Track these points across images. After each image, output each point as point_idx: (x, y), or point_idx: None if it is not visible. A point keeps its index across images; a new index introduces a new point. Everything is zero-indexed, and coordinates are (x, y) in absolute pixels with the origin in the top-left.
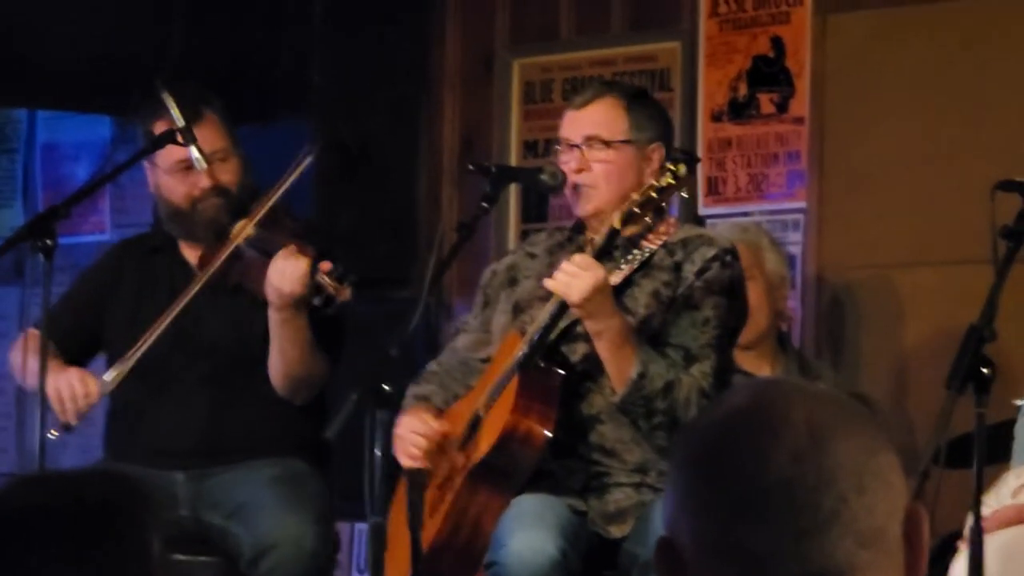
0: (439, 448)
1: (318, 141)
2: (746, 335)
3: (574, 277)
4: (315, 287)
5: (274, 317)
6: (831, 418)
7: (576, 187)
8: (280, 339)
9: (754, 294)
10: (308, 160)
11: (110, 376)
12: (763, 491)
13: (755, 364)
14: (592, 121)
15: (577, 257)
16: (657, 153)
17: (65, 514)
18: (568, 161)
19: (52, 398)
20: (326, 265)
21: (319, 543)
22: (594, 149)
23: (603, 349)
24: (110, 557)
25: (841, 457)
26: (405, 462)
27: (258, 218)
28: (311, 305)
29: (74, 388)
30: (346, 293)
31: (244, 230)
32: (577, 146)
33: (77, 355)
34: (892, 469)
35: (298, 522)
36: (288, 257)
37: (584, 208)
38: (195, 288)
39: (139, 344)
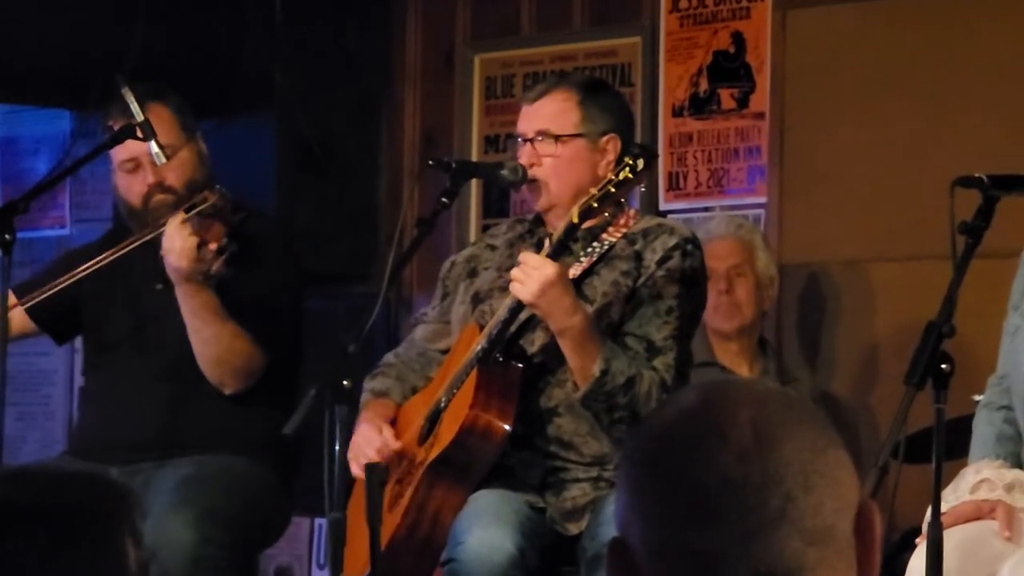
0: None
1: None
2: (730, 324)
3: (526, 277)
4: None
5: (176, 291)
6: (777, 417)
7: (531, 181)
8: (186, 315)
9: (743, 289)
10: (208, 202)
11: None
12: (710, 492)
13: (735, 360)
14: (542, 115)
15: (528, 257)
16: (612, 144)
17: (43, 513)
18: (521, 155)
19: None
20: (213, 245)
21: (199, 547)
22: (544, 143)
23: (566, 346)
24: (84, 560)
25: (787, 456)
26: (355, 471)
27: (190, 208)
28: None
29: None
30: (217, 265)
31: (176, 219)
32: (529, 140)
33: (51, 329)
34: (840, 466)
35: (178, 525)
36: (175, 232)
37: (537, 202)
38: (100, 262)
39: (45, 289)
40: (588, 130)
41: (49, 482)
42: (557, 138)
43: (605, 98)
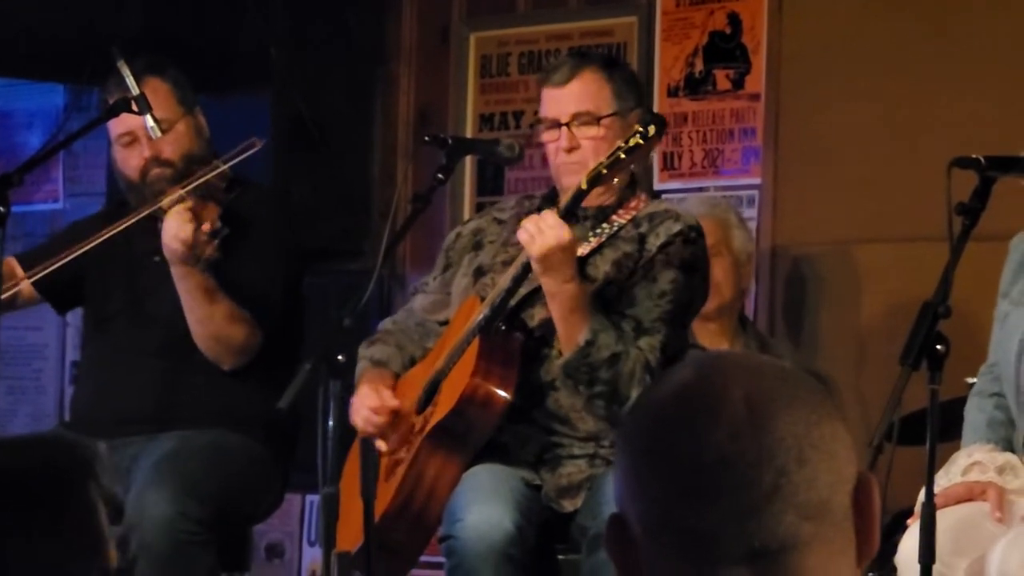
0: (392, 422)
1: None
2: (708, 305)
3: (540, 231)
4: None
5: (172, 272)
6: (770, 391)
7: (563, 163)
8: (181, 295)
9: (720, 269)
10: (255, 148)
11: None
12: (702, 470)
13: (714, 340)
14: (578, 98)
15: (548, 214)
16: (637, 118)
17: (8, 478)
18: (556, 139)
19: None
20: (207, 227)
21: (176, 522)
22: (583, 126)
23: (555, 310)
24: (54, 523)
25: (781, 431)
26: (362, 430)
27: (188, 187)
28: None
29: None
30: (210, 249)
31: (172, 196)
32: (565, 125)
33: (53, 298)
34: (836, 439)
35: (156, 501)
36: (175, 215)
37: (576, 182)
38: (103, 236)
39: (51, 262)
40: (621, 107)
41: (16, 448)
42: (599, 119)
43: (625, 72)
